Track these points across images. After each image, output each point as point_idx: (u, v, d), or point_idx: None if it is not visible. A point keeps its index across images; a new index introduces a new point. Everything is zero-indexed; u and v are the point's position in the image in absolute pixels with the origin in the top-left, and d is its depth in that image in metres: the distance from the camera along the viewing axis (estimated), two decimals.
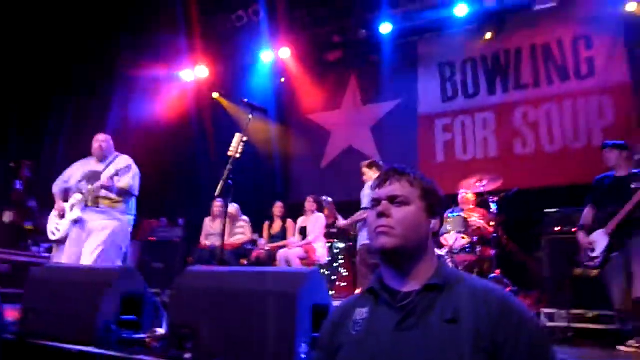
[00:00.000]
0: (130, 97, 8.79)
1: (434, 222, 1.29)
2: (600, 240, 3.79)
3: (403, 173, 1.30)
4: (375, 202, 1.29)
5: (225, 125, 7.52)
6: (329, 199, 6.08)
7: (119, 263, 4.13)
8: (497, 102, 7.08)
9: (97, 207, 4.10)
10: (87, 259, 3.95)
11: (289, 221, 6.54)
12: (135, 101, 8.73)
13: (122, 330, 2.45)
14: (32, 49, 7.25)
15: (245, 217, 6.59)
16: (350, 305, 1.30)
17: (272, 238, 6.50)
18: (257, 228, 6.72)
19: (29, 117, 7.85)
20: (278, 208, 6.63)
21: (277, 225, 6.59)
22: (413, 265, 1.23)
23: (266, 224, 6.68)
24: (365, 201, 5.03)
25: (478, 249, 5.25)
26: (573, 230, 4.44)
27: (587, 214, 4.00)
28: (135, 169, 4.23)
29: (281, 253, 6.00)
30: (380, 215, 1.24)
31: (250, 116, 3.54)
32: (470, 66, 7.31)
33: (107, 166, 4.19)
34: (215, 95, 8.87)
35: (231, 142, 3.49)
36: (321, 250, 6.09)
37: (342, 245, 6.63)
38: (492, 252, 5.18)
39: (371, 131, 8.00)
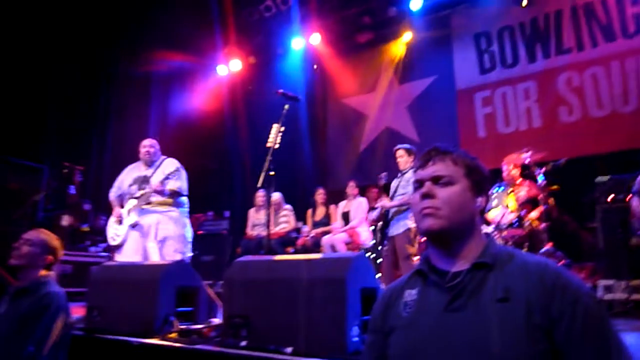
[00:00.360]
0: (168, 94, 9.02)
1: (480, 200, 1.26)
2: None
3: (446, 152, 1.27)
4: (419, 183, 1.26)
5: (262, 116, 7.61)
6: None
7: (188, 251, 4.37)
8: (539, 70, 6.80)
9: (152, 207, 4.31)
10: (155, 252, 4.19)
11: (332, 207, 6.58)
12: (173, 98, 8.96)
13: (179, 321, 2.55)
14: (69, 57, 7.53)
15: (288, 206, 6.68)
16: (399, 287, 1.29)
17: (316, 224, 6.56)
18: (300, 216, 6.80)
19: (76, 126, 8.19)
20: (320, 194, 6.67)
21: (320, 211, 6.63)
22: (461, 244, 1.20)
23: (309, 211, 6.74)
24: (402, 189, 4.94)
25: (527, 223, 5.11)
26: (627, 198, 4.25)
27: None
28: (183, 171, 4.43)
29: (326, 239, 6.05)
30: (425, 196, 1.22)
31: (286, 106, 3.57)
32: (508, 35, 7.04)
33: (155, 170, 4.38)
34: (249, 87, 8.97)
35: (269, 134, 3.53)
36: (365, 234, 6.10)
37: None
38: (543, 225, 5.03)
39: (408, 111, 7.87)
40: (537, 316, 1.04)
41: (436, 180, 1.23)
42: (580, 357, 1.02)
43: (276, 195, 6.62)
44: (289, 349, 1.90)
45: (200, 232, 7.25)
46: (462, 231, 1.21)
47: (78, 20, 7.38)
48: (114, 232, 4.43)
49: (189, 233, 4.48)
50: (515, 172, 5.52)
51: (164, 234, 4.24)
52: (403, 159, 5.00)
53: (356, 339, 1.85)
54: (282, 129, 3.46)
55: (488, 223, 5.48)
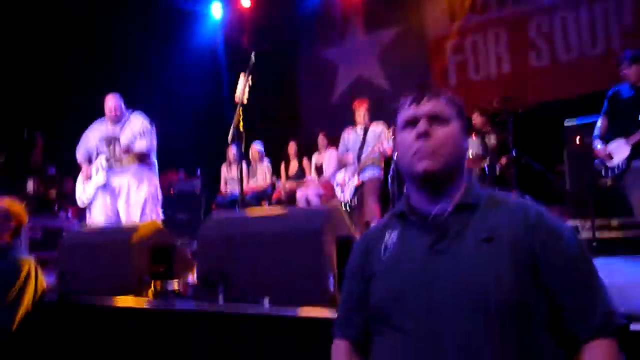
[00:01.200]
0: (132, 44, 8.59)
1: (466, 142, 1.22)
2: (620, 149, 3.72)
3: (439, 90, 1.21)
4: (412, 121, 1.17)
5: (234, 69, 7.38)
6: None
7: (159, 212, 4.36)
8: (509, 15, 6.74)
9: (123, 168, 4.22)
10: (124, 216, 4.15)
11: (305, 160, 6.55)
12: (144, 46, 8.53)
13: (154, 280, 2.52)
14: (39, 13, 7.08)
15: (267, 161, 6.61)
16: (378, 231, 1.24)
17: (290, 178, 6.54)
18: (274, 170, 6.75)
19: (36, 82, 7.79)
20: (292, 147, 6.62)
21: (293, 165, 6.60)
22: (447, 187, 1.16)
23: (282, 165, 6.69)
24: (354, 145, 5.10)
25: (497, 168, 5.20)
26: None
27: (602, 125, 3.94)
28: (152, 128, 4.30)
29: (300, 192, 6.04)
30: (421, 136, 1.13)
31: (252, 56, 3.43)
32: None
33: (123, 127, 4.22)
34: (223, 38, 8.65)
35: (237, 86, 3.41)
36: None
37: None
38: (512, 170, 5.13)
39: (378, 60, 7.77)
40: (522, 254, 1.03)
41: (432, 118, 1.15)
42: (565, 294, 1.02)
43: (257, 145, 6.54)
44: (267, 300, 1.90)
45: (173, 191, 7.15)
46: (453, 173, 1.17)
47: None
48: (82, 191, 4.32)
49: (159, 193, 4.40)
50: (485, 117, 5.57)
51: (135, 195, 4.17)
52: (365, 114, 5.10)
53: (332, 289, 1.86)
54: (250, 81, 3.34)
55: None
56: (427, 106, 1.16)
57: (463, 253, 1.05)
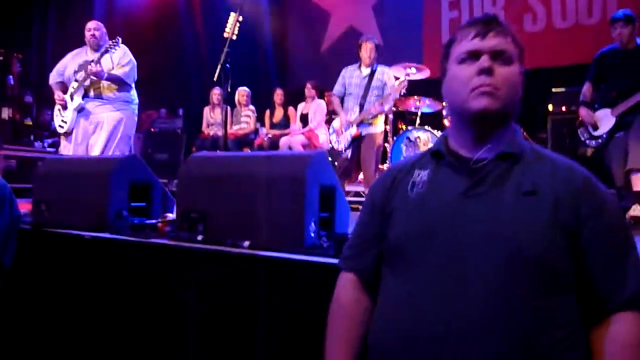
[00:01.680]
0: None
1: (521, 87, 1.14)
2: (605, 119, 3.65)
3: (506, 26, 1.12)
4: (473, 55, 1.09)
5: (219, 7, 7.10)
6: None
7: (126, 152, 4.19)
8: None
9: (101, 98, 4.07)
10: (96, 151, 4.00)
11: (291, 109, 6.45)
12: None
13: (133, 216, 2.50)
14: None
15: (252, 107, 6.49)
16: (407, 167, 1.18)
17: (274, 126, 6.46)
18: (258, 117, 6.65)
19: (13, 10, 7.41)
20: (278, 95, 6.51)
21: (278, 113, 6.51)
22: (496, 131, 1.10)
23: (267, 112, 6.60)
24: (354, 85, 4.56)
25: None
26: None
27: (587, 90, 3.83)
28: (132, 58, 4.15)
29: (283, 140, 6.00)
30: (484, 72, 1.06)
31: None
32: None
33: (103, 54, 4.04)
34: None
35: (226, 24, 3.29)
36: (324, 137, 6.08)
37: None
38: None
39: (373, 10, 7.57)
40: (564, 214, 1.00)
41: (497, 55, 1.08)
42: (600, 262, 1.01)
43: (244, 90, 6.41)
44: (246, 243, 1.90)
45: (153, 129, 7.02)
46: (507, 117, 1.11)
47: None
48: (60, 119, 4.20)
49: (133, 132, 4.30)
50: None
51: (111, 137, 4.04)
52: (372, 54, 4.53)
53: (313, 234, 1.87)
54: (241, 18, 3.23)
55: (444, 128, 5.56)
56: (492, 41, 1.09)
57: (501, 201, 1.02)
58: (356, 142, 4.52)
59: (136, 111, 4.29)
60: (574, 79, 4.91)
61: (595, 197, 1.04)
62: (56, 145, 5.78)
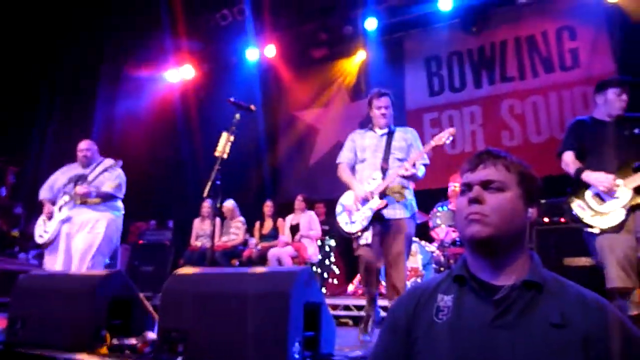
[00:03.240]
0: (115, 98, 8.69)
1: (532, 211, 1.17)
2: (617, 192, 2.88)
3: (498, 156, 1.19)
4: (467, 186, 1.18)
5: (212, 125, 7.48)
6: None
7: (106, 258, 4.25)
8: (484, 95, 7.11)
9: (85, 204, 4.15)
10: (78, 252, 4.02)
11: (280, 220, 6.52)
12: (120, 102, 8.64)
13: (112, 335, 2.41)
14: (14, 51, 7.14)
15: (241, 218, 6.56)
16: (431, 289, 1.19)
17: (264, 238, 6.47)
18: (248, 228, 6.69)
19: (13, 122, 7.73)
20: (268, 207, 6.61)
21: (268, 224, 6.56)
22: (506, 257, 1.12)
23: (257, 224, 6.65)
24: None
25: None
26: (562, 220, 4.46)
27: (573, 158, 3.15)
28: (120, 172, 4.28)
29: (272, 252, 5.98)
30: (473, 201, 1.13)
31: (237, 115, 3.50)
32: (457, 60, 7.33)
33: (93, 169, 4.18)
34: (201, 95, 8.81)
35: (218, 142, 3.45)
36: (312, 249, 6.08)
37: (333, 242, 6.61)
38: None
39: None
40: (594, 353, 0.99)
41: (486, 185, 1.15)
42: None
43: (230, 203, 6.50)
44: None
45: (141, 241, 6.98)
46: (510, 243, 1.12)
47: (19, 18, 7.02)
48: (42, 229, 4.24)
49: (117, 235, 4.30)
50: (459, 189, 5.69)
51: (93, 237, 4.06)
52: (388, 111, 3.61)
53: (297, 356, 1.81)
54: (232, 138, 3.38)
55: (432, 240, 5.61)
56: (482, 173, 1.17)
57: (531, 334, 1.02)
58: (379, 224, 3.34)
59: (120, 217, 4.33)
60: (552, 191, 5.09)
61: (626, 340, 1.02)
62: (41, 257, 5.70)
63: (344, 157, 3.71)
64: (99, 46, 7.94)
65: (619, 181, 2.90)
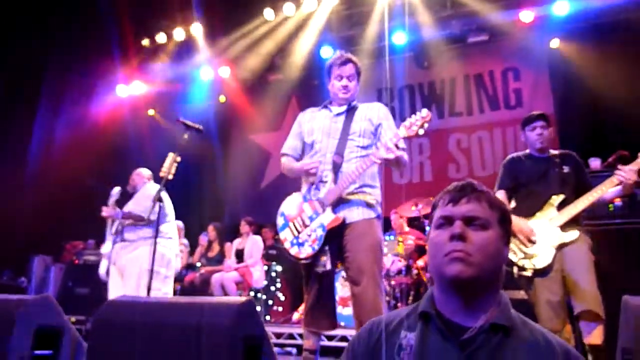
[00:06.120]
0: (58, 111, 8.30)
1: (506, 251, 1.12)
2: (544, 231, 2.86)
3: (482, 191, 1.12)
4: (447, 220, 1.10)
5: (161, 143, 7.27)
6: None
7: (164, 287, 4.09)
8: (433, 129, 7.31)
9: (124, 241, 4.18)
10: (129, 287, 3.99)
11: (227, 244, 6.38)
12: (63, 115, 8.25)
13: None
14: None
15: (185, 241, 6.35)
16: (393, 325, 1.13)
17: (210, 261, 6.30)
18: (192, 251, 6.49)
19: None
20: (212, 232, 6.45)
21: (214, 248, 6.40)
22: (480, 298, 1.06)
23: (200, 248, 6.47)
24: None
25: (414, 271, 5.33)
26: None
27: (505, 198, 3.07)
28: (146, 188, 4.33)
29: (216, 277, 5.82)
30: (455, 237, 1.05)
31: (185, 135, 3.41)
32: (408, 93, 7.55)
33: (135, 195, 4.38)
34: (151, 112, 8.59)
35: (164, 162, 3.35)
36: (258, 274, 5.96)
37: (279, 268, 6.51)
38: (428, 274, 5.27)
39: None
40: None
41: (469, 221, 1.08)
42: None
43: (177, 225, 6.29)
44: None
45: (77, 261, 6.62)
46: (488, 284, 1.07)
47: None
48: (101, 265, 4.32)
49: (164, 267, 4.08)
50: (403, 221, 5.79)
51: (135, 272, 3.99)
52: (352, 83, 2.76)
53: None
54: (179, 159, 3.30)
55: None
56: (465, 207, 1.09)
57: None
58: (335, 238, 2.53)
59: (162, 243, 4.11)
60: None
61: None
62: None
63: (287, 146, 2.89)
64: (42, 55, 7.60)
65: (544, 221, 2.89)
